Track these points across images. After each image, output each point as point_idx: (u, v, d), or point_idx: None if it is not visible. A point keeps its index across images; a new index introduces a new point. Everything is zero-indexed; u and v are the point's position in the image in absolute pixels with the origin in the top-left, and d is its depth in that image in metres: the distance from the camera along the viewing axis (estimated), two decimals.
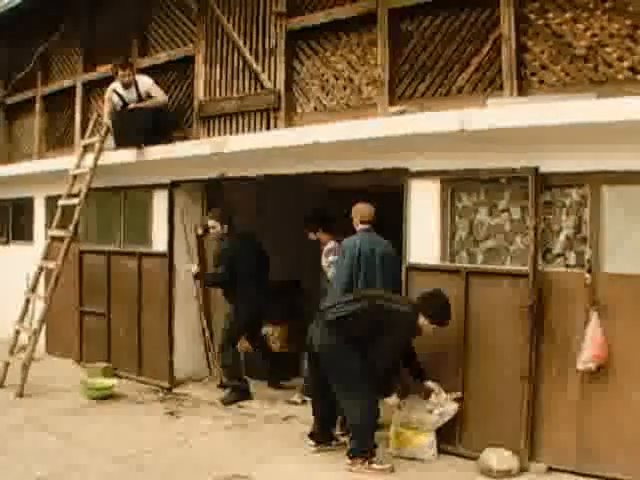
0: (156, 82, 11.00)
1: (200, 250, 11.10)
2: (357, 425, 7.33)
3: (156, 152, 10.27)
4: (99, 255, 11.90)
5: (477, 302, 7.56)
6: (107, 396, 9.92)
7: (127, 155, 10.62)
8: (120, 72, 10.74)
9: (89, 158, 10.93)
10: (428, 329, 7.32)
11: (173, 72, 11.14)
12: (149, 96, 10.76)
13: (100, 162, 10.76)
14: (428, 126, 7.32)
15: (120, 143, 10.86)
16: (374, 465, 7.23)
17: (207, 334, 10.91)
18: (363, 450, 7.28)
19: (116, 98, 10.92)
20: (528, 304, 7.10)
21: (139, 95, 10.76)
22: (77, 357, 12.29)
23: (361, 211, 8.53)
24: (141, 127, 10.61)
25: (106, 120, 11.03)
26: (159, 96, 10.79)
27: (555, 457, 7.05)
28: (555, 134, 6.76)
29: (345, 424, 7.95)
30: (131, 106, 10.71)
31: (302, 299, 10.65)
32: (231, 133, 10.02)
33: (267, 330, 10.85)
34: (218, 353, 10.21)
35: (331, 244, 9.32)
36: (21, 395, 9.85)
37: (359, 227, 8.47)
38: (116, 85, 10.91)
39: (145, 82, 10.83)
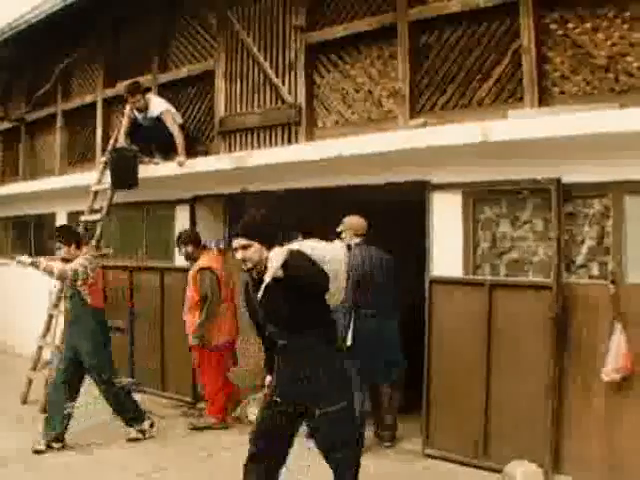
0: (176, 98, 11.10)
1: None
2: None
3: (177, 167, 10.29)
4: (121, 271, 11.92)
5: (501, 314, 7.52)
6: None
7: (148, 170, 10.66)
8: (130, 99, 10.78)
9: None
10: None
11: (193, 87, 11.16)
12: (159, 120, 10.69)
13: None
14: (449, 138, 7.33)
15: (115, 184, 10.81)
16: None
17: None
18: None
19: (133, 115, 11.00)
20: (552, 316, 7.07)
21: (151, 119, 10.76)
22: None
23: (354, 224, 8.52)
24: (134, 166, 10.67)
25: (122, 139, 11.05)
26: (175, 132, 10.59)
27: (581, 470, 6.99)
28: (577, 145, 6.73)
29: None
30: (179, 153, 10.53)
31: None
32: (252, 148, 10.02)
33: None
34: None
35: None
36: (45, 411, 9.81)
37: (353, 241, 8.44)
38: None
39: (157, 105, 10.77)
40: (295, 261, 5.31)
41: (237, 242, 5.54)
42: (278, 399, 5.73)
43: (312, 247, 5.65)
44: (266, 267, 5.36)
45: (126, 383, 8.94)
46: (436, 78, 8.20)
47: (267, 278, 5.27)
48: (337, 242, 6.09)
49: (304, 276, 5.39)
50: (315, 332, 5.65)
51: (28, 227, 15.37)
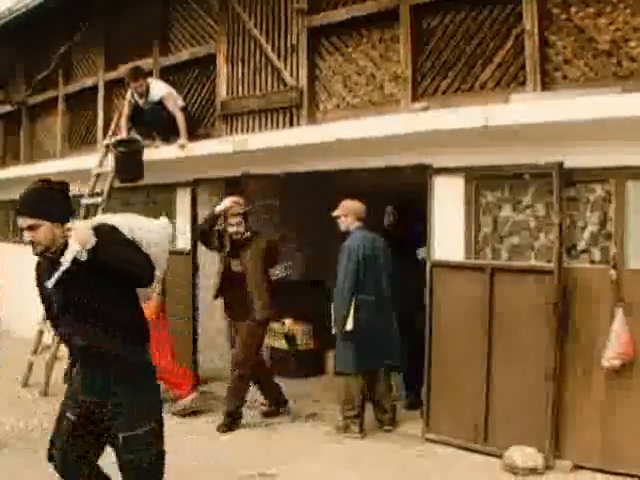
0: (178, 81, 11.07)
1: None
2: None
3: (179, 150, 10.28)
4: None
5: (502, 299, 7.51)
6: None
7: (150, 153, 10.64)
8: (132, 84, 10.69)
9: (111, 157, 10.93)
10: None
11: (195, 70, 11.12)
12: (160, 103, 10.62)
13: None
14: (451, 122, 7.31)
15: (120, 177, 10.83)
16: None
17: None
18: None
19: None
20: (553, 301, 7.05)
21: (152, 103, 10.69)
22: None
23: (357, 209, 8.52)
24: (140, 159, 10.63)
25: (123, 123, 11.03)
26: (176, 115, 10.55)
27: (580, 455, 7.01)
28: (579, 129, 6.70)
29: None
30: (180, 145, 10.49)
31: (326, 298, 10.70)
32: (254, 131, 10.00)
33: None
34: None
35: None
36: (45, 394, 9.89)
37: (354, 225, 8.46)
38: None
39: (158, 89, 10.69)
40: (107, 242, 4.50)
41: (22, 222, 4.57)
42: (71, 415, 4.80)
43: (133, 227, 4.90)
44: (66, 245, 4.51)
45: None
46: (438, 62, 8.15)
47: (65, 261, 4.44)
48: (161, 220, 5.38)
49: (120, 262, 4.56)
50: (122, 332, 4.71)
51: None
